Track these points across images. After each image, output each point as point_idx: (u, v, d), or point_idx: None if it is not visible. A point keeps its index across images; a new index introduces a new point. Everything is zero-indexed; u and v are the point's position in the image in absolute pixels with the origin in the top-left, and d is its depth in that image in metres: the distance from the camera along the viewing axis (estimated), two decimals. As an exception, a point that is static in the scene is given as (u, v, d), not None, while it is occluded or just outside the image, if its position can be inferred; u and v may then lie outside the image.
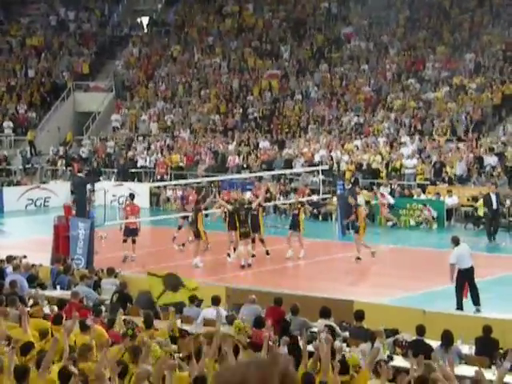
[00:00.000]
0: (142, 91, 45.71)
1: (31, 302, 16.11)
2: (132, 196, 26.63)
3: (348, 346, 13.59)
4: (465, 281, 18.28)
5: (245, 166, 37.02)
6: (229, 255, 24.39)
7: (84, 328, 12.73)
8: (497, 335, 13.68)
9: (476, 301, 18.25)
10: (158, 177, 37.36)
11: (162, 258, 25.32)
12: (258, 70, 44.31)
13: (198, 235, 24.08)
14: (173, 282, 16.84)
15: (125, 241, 25.17)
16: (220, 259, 24.60)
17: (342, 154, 35.35)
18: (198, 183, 33.13)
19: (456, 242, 18.69)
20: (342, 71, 42.28)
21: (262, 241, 24.64)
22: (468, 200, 30.89)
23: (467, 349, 13.55)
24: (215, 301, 16.18)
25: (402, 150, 34.70)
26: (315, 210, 32.48)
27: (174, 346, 13.13)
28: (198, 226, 24.05)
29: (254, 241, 24.53)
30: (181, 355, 11.88)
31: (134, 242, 25.09)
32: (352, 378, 11.07)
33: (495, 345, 13.53)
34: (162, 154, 38.88)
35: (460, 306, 18.04)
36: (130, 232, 25.19)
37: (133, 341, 12.01)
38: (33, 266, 20.23)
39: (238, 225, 23.94)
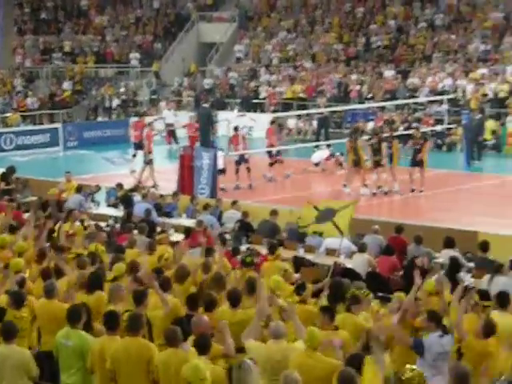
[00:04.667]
0: (265, 21, 45.60)
1: (159, 229, 16.59)
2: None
3: (473, 276, 13.50)
4: None
5: (368, 95, 36.65)
6: (345, 186, 24.36)
7: (209, 254, 13.06)
8: None
9: None
10: (272, 108, 37.43)
11: (281, 187, 25.59)
12: (381, -2, 43.55)
13: (356, 163, 24.18)
14: (325, 216, 15.55)
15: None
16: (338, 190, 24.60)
17: (468, 83, 34.52)
18: (320, 114, 33.05)
19: None
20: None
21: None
22: None
23: None
24: (338, 231, 16.25)
25: (531, 78, 33.65)
26: (439, 141, 31.98)
27: (297, 275, 13.35)
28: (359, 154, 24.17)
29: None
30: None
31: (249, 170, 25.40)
32: None
33: None
34: (278, 85, 38.90)
35: None
36: None
37: (251, 269, 12.24)
38: (161, 196, 20.75)
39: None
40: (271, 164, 26.47)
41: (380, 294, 12.20)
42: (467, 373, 7.76)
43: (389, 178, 24.29)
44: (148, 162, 26.03)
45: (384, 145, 24.01)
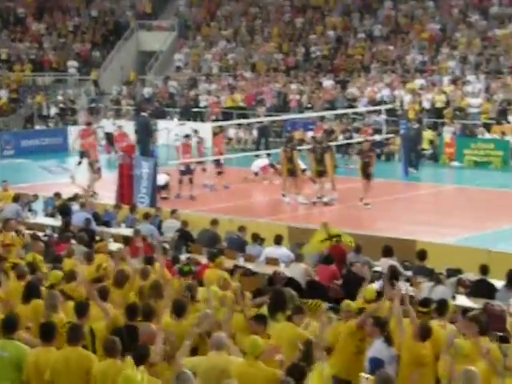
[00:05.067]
0: (205, 30, 45.61)
1: (97, 239, 16.42)
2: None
3: (411, 285, 13.60)
4: None
5: (307, 105, 36.84)
6: (284, 195, 24.40)
7: (148, 263, 12.96)
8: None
9: None
10: (213, 117, 37.33)
11: (222, 196, 25.57)
12: (321, 9, 43.83)
13: (292, 173, 24.17)
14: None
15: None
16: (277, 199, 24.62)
17: (405, 93, 34.93)
18: (260, 123, 33.13)
19: None
20: (406, 8, 41.55)
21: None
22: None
23: (532, 289, 13.42)
24: (277, 240, 16.28)
25: (467, 89, 34.15)
26: (378, 150, 32.24)
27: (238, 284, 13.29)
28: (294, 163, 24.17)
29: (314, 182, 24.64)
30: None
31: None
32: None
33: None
34: (219, 94, 38.88)
35: None
36: None
37: (189, 278, 12.19)
38: (106, 211, 20.46)
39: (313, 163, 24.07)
40: (219, 173, 26.45)
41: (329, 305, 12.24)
42: (390, 377, 7.85)
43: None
44: (96, 171, 25.80)
45: (327, 155, 24.07)
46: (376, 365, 9.32)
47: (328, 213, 23.25)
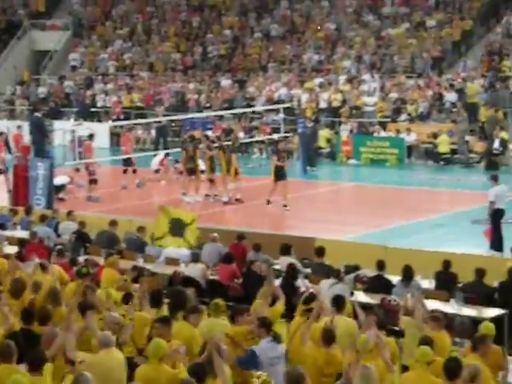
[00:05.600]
0: (100, 29, 45.07)
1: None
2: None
3: (310, 282, 13.70)
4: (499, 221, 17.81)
5: (206, 105, 36.80)
6: (184, 194, 24.34)
7: (44, 268, 12.72)
8: (455, 270, 13.83)
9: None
10: (114, 116, 36.91)
11: (122, 197, 25.33)
12: (217, 8, 43.84)
13: (193, 172, 24.12)
14: (177, 229, 16.33)
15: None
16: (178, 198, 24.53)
17: (303, 93, 35.24)
18: (159, 122, 32.92)
19: (495, 179, 18.26)
20: (302, 8, 41.92)
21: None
22: (428, 137, 31.00)
23: (427, 283, 13.71)
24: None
25: (363, 88, 34.68)
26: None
27: (136, 285, 13.17)
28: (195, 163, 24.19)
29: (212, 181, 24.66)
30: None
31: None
32: None
33: (454, 279, 13.70)
34: (117, 94, 38.48)
35: (498, 247, 17.43)
36: None
37: (87, 280, 12.06)
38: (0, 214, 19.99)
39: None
40: (134, 171, 26.31)
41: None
42: (302, 374, 7.83)
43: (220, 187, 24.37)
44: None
45: (234, 155, 24.08)
46: (253, 362, 9.32)
47: (228, 212, 23.27)
